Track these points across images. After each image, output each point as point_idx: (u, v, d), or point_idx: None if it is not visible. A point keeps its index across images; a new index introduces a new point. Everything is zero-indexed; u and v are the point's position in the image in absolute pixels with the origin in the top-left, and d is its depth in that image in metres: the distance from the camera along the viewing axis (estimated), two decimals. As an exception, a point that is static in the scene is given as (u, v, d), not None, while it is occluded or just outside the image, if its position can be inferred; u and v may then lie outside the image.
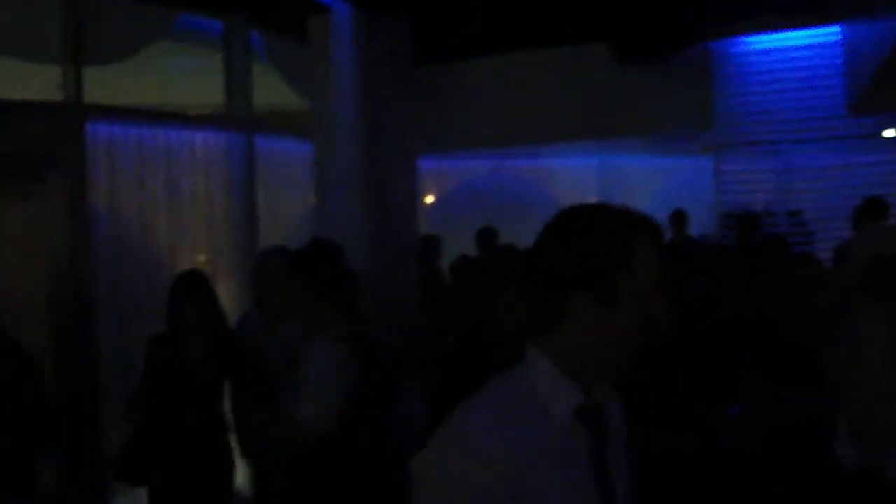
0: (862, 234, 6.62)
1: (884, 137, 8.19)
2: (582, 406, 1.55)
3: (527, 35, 7.98)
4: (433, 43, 7.38)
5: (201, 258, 6.27)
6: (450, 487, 1.48)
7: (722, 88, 8.25)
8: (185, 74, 7.09)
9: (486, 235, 7.75)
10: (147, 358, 4.40)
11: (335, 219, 6.23)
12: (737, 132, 8.42)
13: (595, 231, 1.54)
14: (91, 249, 5.44)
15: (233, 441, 4.62)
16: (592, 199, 10.46)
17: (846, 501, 2.21)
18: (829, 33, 7.91)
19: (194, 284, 4.47)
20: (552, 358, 1.55)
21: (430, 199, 10.16)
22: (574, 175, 10.46)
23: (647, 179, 10.25)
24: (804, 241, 8.30)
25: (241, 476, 4.89)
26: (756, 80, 8.20)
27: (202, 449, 4.35)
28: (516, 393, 1.55)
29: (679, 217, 8.65)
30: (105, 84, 5.82)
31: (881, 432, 2.63)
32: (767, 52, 8.19)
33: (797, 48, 8.08)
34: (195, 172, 6.22)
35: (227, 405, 4.59)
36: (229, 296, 6.01)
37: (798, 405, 3.28)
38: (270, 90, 6.85)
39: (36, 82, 5.68)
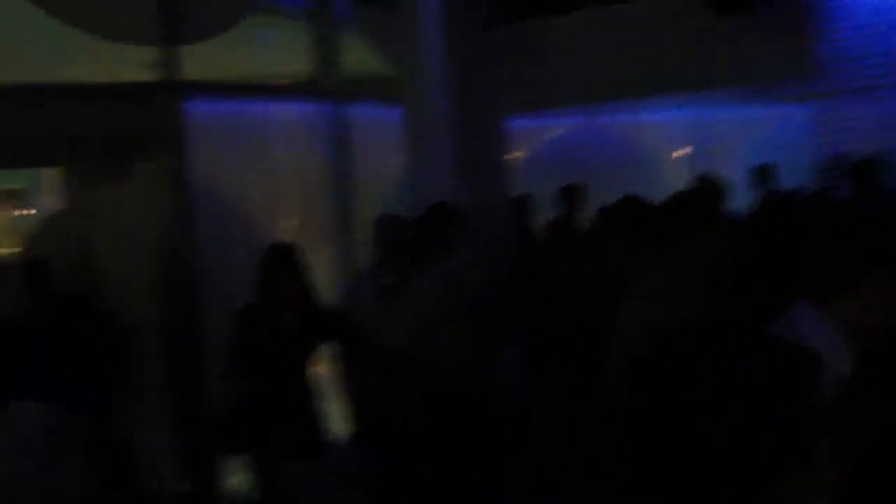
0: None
1: None
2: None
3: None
4: (519, 1, 7.27)
5: (296, 227, 6.37)
6: None
7: (821, 34, 7.93)
8: (275, 46, 7.13)
9: (572, 192, 7.52)
10: (238, 329, 4.50)
11: (428, 183, 6.25)
12: (836, 78, 8.10)
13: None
14: (194, 226, 5.57)
15: (329, 409, 4.71)
16: (685, 153, 10.24)
17: None
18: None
19: (284, 256, 4.55)
20: (839, 325, 1.63)
21: (520, 157, 10.07)
22: (666, 129, 10.23)
23: (739, 131, 9.96)
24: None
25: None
26: (857, 24, 7.85)
27: (295, 418, 4.44)
28: None
29: (764, 172, 8.33)
30: (197, 61, 5.91)
31: None
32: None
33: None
34: (290, 143, 6.30)
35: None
36: (328, 263, 6.10)
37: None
38: (359, 58, 6.85)
39: (128, 63, 5.79)
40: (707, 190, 4.39)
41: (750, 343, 1.16)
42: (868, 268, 1.66)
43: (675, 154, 10.22)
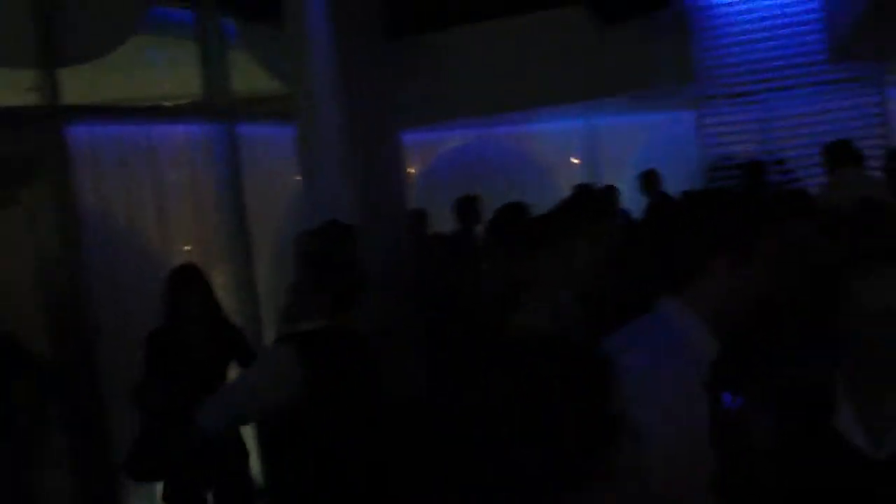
0: (834, 182, 6.59)
1: (864, 81, 8.19)
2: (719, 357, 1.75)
3: (505, 1, 7.93)
4: (412, 14, 7.32)
5: (191, 250, 6.28)
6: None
7: (701, 42, 8.24)
8: (162, 67, 7.03)
9: (467, 205, 7.53)
10: (147, 353, 4.48)
11: (323, 200, 6.24)
12: (717, 84, 8.43)
13: (735, 203, 1.83)
14: (82, 252, 5.44)
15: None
16: (578, 160, 10.48)
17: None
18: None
19: (190, 277, 4.59)
20: (697, 311, 1.78)
21: (414, 172, 10.13)
22: (559, 138, 10.45)
23: (630, 137, 10.25)
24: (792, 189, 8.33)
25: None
26: (734, 31, 8.19)
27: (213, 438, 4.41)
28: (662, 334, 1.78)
29: (649, 178, 8.60)
30: (82, 83, 5.78)
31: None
32: (744, 2, 8.17)
33: (774, -3, 8.08)
34: (179, 165, 6.20)
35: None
36: (222, 285, 6.04)
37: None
38: (249, 76, 6.81)
39: (8, 87, 5.64)
40: (584, 198, 4.51)
41: (544, 350, 1.20)
42: (714, 254, 1.77)
43: (569, 162, 10.44)
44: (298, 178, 6.76)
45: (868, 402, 1.83)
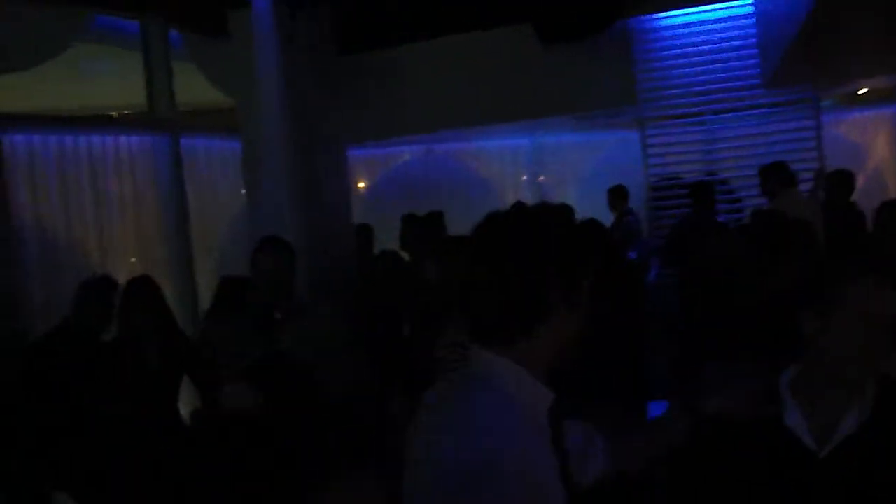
0: (776, 203, 6.76)
1: (799, 105, 8.43)
2: (553, 405, 1.58)
3: (451, 19, 7.99)
4: (359, 30, 7.35)
5: (134, 262, 6.22)
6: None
7: (643, 64, 8.40)
8: (107, 77, 6.97)
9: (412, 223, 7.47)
10: (102, 366, 4.44)
11: (267, 215, 6.22)
12: (660, 105, 8.60)
13: (565, 238, 1.56)
14: (20, 264, 5.35)
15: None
16: (525, 178, 10.59)
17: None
18: (743, 6, 8.10)
19: (143, 290, 4.59)
20: (524, 363, 1.54)
21: (361, 187, 10.14)
22: (505, 156, 10.55)
23: (576, 156, 10.39)
24: (733, 208, 8.53)
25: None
26: (675, 55, 8.37)
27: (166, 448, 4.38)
28: (500, 401, 1.52)
29: (618, 192, 8.75)
30: (21, 92, 5.71)
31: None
32: (685, 26, 8.35)
33: (712, 21, 8.27)
34: (121, 176, 6.14)
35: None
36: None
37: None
38: (194, 89, 6.78)
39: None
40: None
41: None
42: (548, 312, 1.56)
43: (515, 180, 10.55)
44: (243, 191, 6.75)
45: (813, 403, 1.96)
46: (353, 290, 6.50)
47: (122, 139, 6.14)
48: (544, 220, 1.58)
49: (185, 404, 4.91)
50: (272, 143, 6.26)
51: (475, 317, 1.57)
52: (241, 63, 6.24)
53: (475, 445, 1.45)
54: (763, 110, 8.38)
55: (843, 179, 7.10)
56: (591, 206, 8.25)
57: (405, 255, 6.27)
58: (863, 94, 10.57)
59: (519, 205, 1.72)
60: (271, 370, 3.27)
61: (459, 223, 6.81)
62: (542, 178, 10.38)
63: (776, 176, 6.96)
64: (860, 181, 10.00)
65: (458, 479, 1.43)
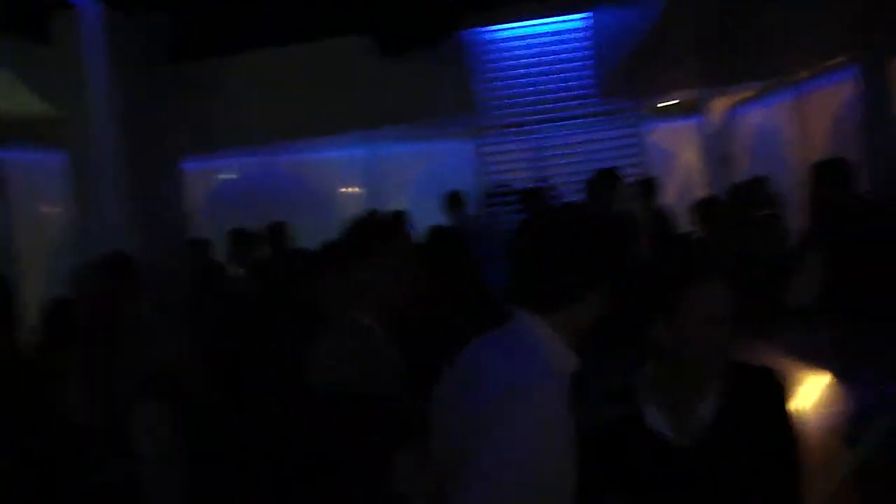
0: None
1: (624, 115, 8.90)
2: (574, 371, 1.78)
3: (289, 29, 7.89)
4: (194, 39, 7.12)
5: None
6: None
7: (479, 74, 8.61)
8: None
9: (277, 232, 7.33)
10: None
11: (99, 229, 5.91)
12: (494, 115, 8.83)
13: (618, 237, 1.86)
14: None
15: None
16: (361, 188, 10.57)
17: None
18: (575, 21, 8.48)
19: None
20: (558, 330, 1.78)
21: (197, 198, 9.78)
22: (342, 166, 10.49)
23: (411, 165, 10.48)
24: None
25: None
26: (510, 66, 8.64)
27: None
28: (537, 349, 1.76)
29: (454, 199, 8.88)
30: None
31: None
32: (520, 38, 8.64)
33: (547, 34, 8.60)
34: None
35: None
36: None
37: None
38: (14, 98, 6.33)
39: None
40: (372, 222, 4.52)
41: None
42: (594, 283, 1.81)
43: (350, 190, 10.52)
44: (69, 207, 6.37)
45: (670, 399, 2.07)
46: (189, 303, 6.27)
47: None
48: (593, 217, 1.89)
49: None
50: (101, 154, 5.97)
51: (528, 284, 1.82)
52: (67, 70, 5.90)
53: (520, 369, 1.71)
54: (591, 119, 8.79)
55: (652, 186, 7.60)
56: (425, 214, 8.38)
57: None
58: (671, 105, 11.30)
59: (371, 212, 2.00)
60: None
61: (302, 233, 6.75)
62: (361, 189, 10.37)
63: (603, 182, 7.28)
64: (671, 188, 10.73)
65: (505, 395, 1.67)
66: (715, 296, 1.99)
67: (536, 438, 1.64)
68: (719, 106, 11.17)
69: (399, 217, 6.55)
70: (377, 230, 3.29)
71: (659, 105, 10.98)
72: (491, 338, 1.85)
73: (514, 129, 8.91)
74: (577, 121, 8.80)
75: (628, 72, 6.79)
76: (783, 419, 2.04)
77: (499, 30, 8.62)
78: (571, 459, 1.70)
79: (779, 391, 2.06)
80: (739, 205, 7.00)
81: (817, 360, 3.76)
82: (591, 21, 8.19)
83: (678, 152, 11.44)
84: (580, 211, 1.97)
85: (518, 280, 1.85)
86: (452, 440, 1.79)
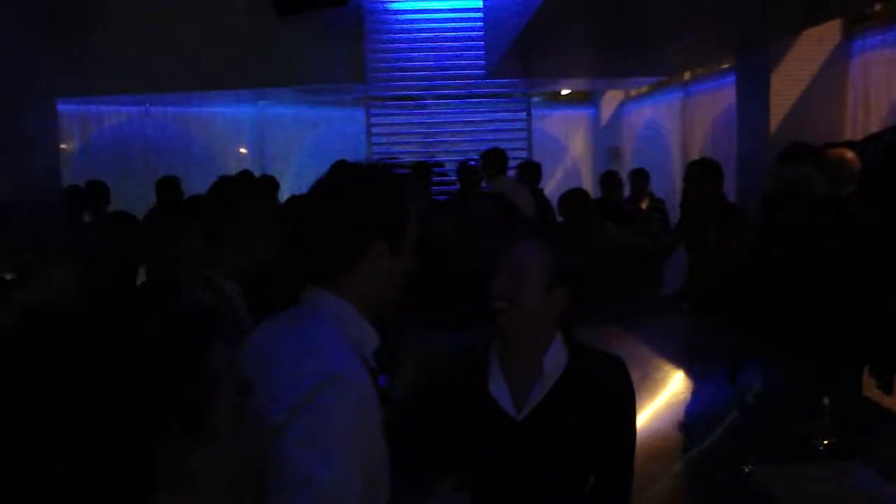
0: (494, 186, 7.19)
1: (515, 97, 8.99)
2: (378, 348, 1.70)
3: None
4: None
5: None
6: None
7: (372, 44, 8.52)
8: None
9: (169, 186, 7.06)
10: None
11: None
12: (386, 87, 8.77)
13: (390, 188, 1.74)
14: None
15: None
16: (247, 147, 10.36)
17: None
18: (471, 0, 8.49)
19: None
20: (351, 300, 1.67)
21: (72, 146, 9.39)
22: (228, 123, 10.24)
23: (301, 129, 10.34)
24: (447, 191, 8.90)
25: None
26: (403, 38, 8.57)
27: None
28: (333, 332, 1.63)
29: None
30: None
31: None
32: (416, 12, 8.59)
33: (442, 11, 8.57)
34: None
35: None
36: None
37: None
38: None
39: None
40: (243, 182, 4.43)
41: None
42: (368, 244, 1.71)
43: (237, 148, 10.31)
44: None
45: (510, 370, 2.08)
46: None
47: None
48: (368, 174, 1.78)
49: None
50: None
51: (306, 256, 1.73)
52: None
53: (313, 359, 1.57)
54: (481, 100, 8.85)
55: (533, 169, 7.75)
56: (311, 179, 8.26)
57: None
58: (566, 94, 11.51)
59: (345, 162, 1.85)
60: None
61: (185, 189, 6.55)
62: (247, 149, 10.17)
63: (497, 161, 7.38)
64: (559, 173, 10.95)
65: (301, 391, 1.53)
66: (523, 251, 2.02)
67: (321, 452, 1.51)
68: (611, 99, 11.45)
69: (270, 181, 6.45)
70: (242, 190, 3.24)
71: (551, 92, 11.17)
72: (280, 324, 1.72)
73: (404, 103, 8.88)
74: (468, 100, 8.84)
75: (517, 55, 6.84)
76: (618, 408, 2.06)
77: (396, 0, 8.55)
78: (379, 456, 1.64)
79: (619, 379, 2.08)
80: (606, 197, 7.23)
81: (673, 352, 3.89)
82: (488, 1, 8.21)
83: (567, 141, 11.67)
84: (348, 172, 1.79)
85: (299, 253, 1.76)
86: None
